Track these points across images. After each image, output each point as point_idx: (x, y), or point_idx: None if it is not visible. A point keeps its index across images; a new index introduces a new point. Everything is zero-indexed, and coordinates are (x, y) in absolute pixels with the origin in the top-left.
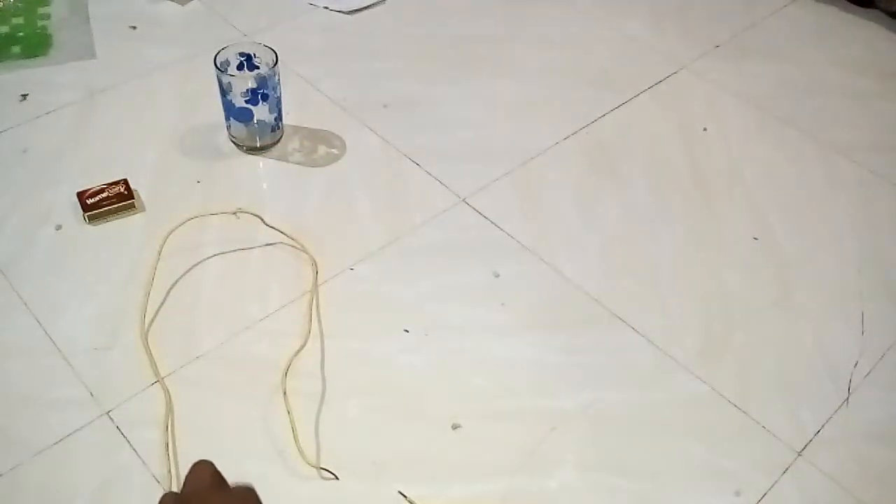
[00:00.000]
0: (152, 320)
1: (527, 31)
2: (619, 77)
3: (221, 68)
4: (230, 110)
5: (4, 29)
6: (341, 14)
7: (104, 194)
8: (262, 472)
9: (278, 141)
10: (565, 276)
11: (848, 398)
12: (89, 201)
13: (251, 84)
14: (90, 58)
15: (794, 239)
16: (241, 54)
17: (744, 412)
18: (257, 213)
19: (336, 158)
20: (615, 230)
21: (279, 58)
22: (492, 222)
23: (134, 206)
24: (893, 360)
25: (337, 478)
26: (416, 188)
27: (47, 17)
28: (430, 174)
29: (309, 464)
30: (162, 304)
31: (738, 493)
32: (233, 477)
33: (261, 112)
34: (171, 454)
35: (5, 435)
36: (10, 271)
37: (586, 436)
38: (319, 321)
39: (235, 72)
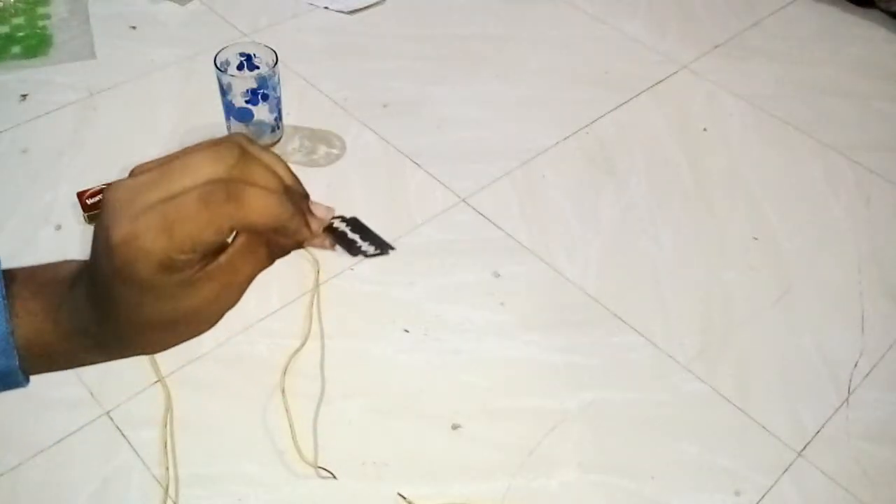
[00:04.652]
0: None
1: (527, 31)
2: (619, 77)
3: (221, 68)
4: (230, 110)
5: (4, 29)
6: (341, 14)
7: None
8: (261, 471)
9: (278, 141)
10: (565, 276)
11: (848, 398)
12: (89, 201)
13: (251, 84)
14: (90, 58)
15: (794, 239)
16: (241, 54)
17: (744, 412)
18: None
19: (336, 158)
20: (615, 230)
21: (279, 58)
22: (492, 222)
23: None
24: (893, 360)
25: (335, 477)
26: (416, 188)
27: (47, 17)
28: (430, 174)
29: (307, 463)
30: None
31: (737, 493)
32: (230, 477)
33: (261, 112)
34: (170, 453)
35: (5, 435)
36: None
37: (586, 436)
38: (320, 321)
39: (235, 72)
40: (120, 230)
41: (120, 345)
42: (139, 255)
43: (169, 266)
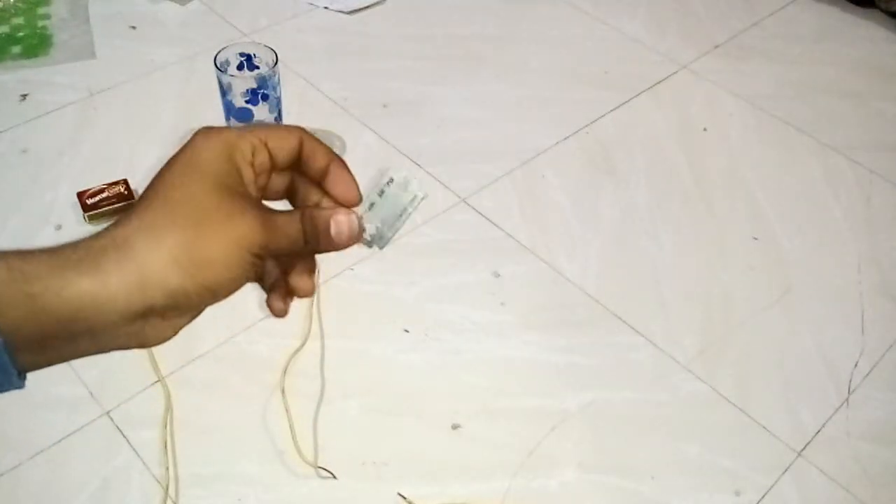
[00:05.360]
0: None
1: (527, 31)
2: (619, 77)
3: (221, 68)
4: (230, 110)
5: (4, 29)
6: (341, 14)
7: (104, 194)
8: (261, 471)
9: None
10: (565, 276)
11: (848, 398)
12: (89, 201)
13: (251, 84)
14: (90, 58)
15: (794, 239)
16: (241, 54)
17: (744, 412)
18: None
19: None
20: (615, 230)
21: (279, 58)
22: (492, 222)
23: None
24: (893, 360)
25: (335, 477)
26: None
27: (47, 17)
28: (430, 174)
29: (307, 463)
30: None
31: (737, 493)
32: (230, 477)
33: (261, 112)
34: (170, 453)
35: (5, 435)
36: None
37: (586, 436)
38: (320, 321)
39: (235, 72)
40: (206, 127)
41: (135, 237)
42: (212, 134)
43: (231, 156)
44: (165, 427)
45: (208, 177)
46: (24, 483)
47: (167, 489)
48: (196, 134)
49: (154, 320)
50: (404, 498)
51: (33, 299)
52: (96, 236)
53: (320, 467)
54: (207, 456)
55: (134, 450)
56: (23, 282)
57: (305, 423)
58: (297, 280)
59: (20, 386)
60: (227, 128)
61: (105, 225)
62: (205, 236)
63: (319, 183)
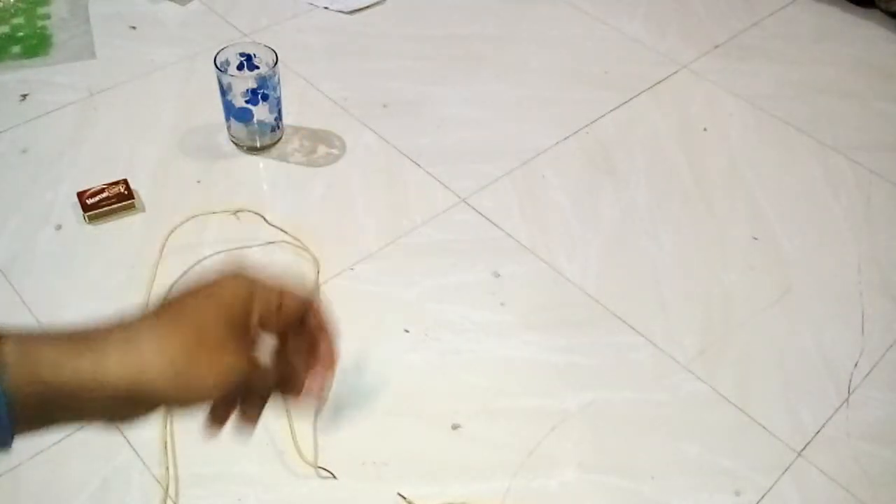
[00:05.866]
0: None
1: (527, 31)
2: (619, 77)
3: (221, 68)
4: (230, 110)
5: (4, 29)
6: (341, 14)
7: (104, 194)
8: (261, 471)
9: (278, 141)
10: (565, 276)
11: (848, 398)
12: (89, 201)
13: (251, 84)
14: (90, 58)
15: (794, 239)
16: (241, 54)
17: (743, 412)
18: (258, 212)
19: (336, 158)
20: (615, 230)
21: (279, 58)
22: (492, 222)
23: (134, 206)
24: (893, 360)
25: (335, 477)
26: (416, 188)
27: (47, 17)
28: (430, 174)
29: (307, 463)
30: None
31: (737, 493)
32: (230, 477)
33: (261, 112)
34: (170, 453)
35: None
36: (10, 271)
37: (586, 436)
38: None
39: (235, 72)
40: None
41: (144, 337)
42: (241, 279)
43: (249, 300)
44: (165, 427)
45: (222, 312)
46: (24, 483)
47: (167, 489)
48: (227, 273)
49: (135, 406)
50: (404, 498)
51: (40, 379)
52: (109, 328)
53: (320, 467)
54: (207, 456)
55: (134, 450)
56: (34, 365)
57: (304, 422)
58: (245, 411)
59: (7, 446)
60: (255, 276)
61: (105, 225)
62: (201, 357)
63: (310, 335)
